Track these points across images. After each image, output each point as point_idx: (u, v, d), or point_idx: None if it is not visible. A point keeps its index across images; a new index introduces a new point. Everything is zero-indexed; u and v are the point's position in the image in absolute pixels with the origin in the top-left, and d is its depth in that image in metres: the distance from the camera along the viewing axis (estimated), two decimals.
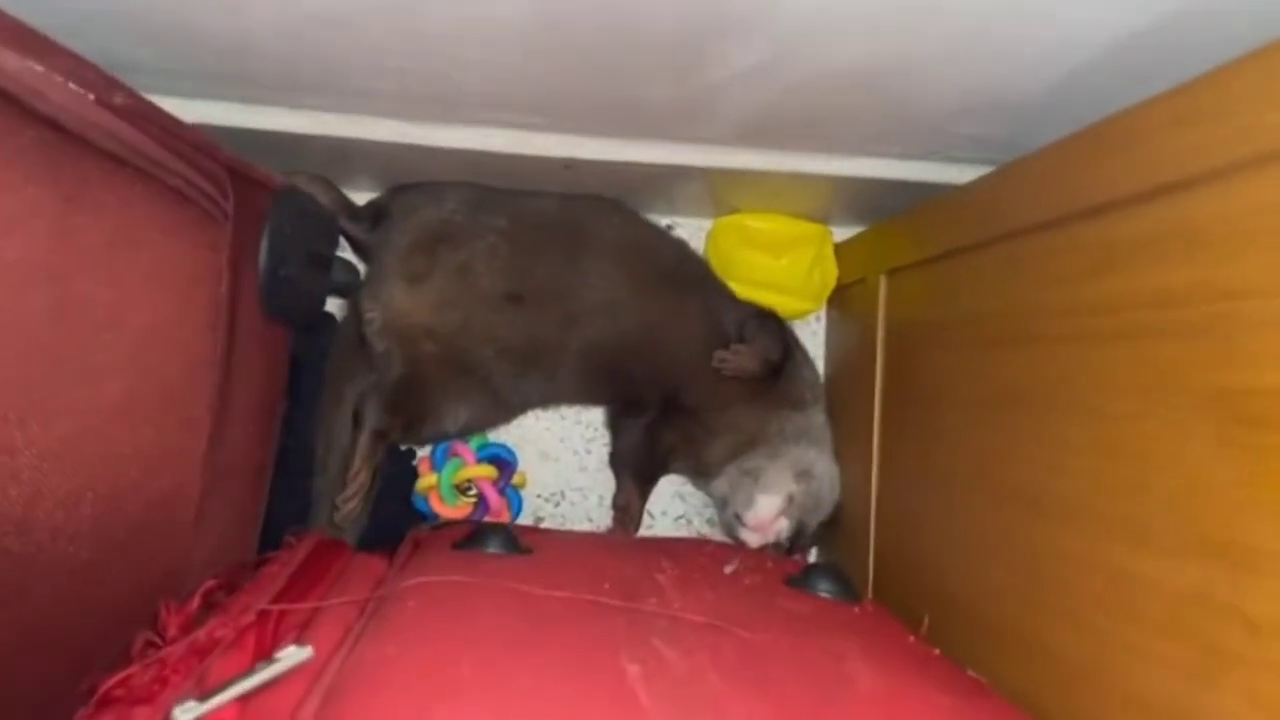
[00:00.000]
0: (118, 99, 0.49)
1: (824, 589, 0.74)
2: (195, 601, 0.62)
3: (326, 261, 0.89)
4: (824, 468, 0.98)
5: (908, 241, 0.86)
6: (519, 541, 0.74)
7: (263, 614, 0.57)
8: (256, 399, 0.81)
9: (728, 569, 0.76)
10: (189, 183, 0.59)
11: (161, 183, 0.56)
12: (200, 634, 0.56)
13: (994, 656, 0.63)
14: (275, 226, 0.77)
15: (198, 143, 0.63)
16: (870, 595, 0.86)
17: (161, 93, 0.75)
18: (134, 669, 0.51)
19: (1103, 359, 0.54)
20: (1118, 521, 0.51)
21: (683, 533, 1.07)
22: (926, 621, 0.69)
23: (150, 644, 0.59)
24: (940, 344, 0.77)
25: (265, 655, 0.55)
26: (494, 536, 0.74)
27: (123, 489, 0.55)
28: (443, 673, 0.44)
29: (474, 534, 0.74)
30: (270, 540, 0.82)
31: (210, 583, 0.64)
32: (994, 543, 0.65)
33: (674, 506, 1.08)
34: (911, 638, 0.66)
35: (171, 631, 0.60)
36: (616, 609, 0.60)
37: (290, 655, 0.46)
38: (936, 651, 0.64)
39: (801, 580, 0.75)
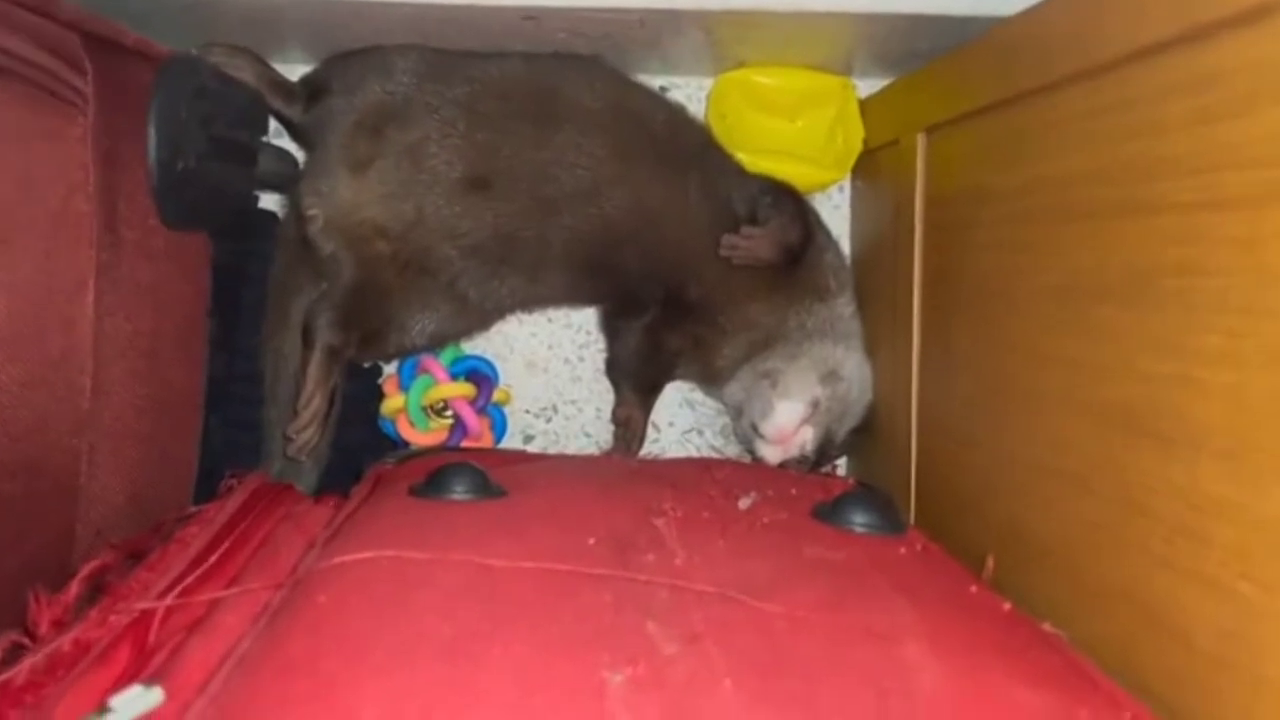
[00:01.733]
0: None
1: (860, 522, 0.61)
2: (72, 589, 0.49)
3: (247, 150, 0.74)
4: (853, 367, 0.85)
5: (952, 90, 0.69)
6: (490, 482, 0.61)
7: (145, 612, 0.45)
8: (171, 322, 0.67)
9: (743, 503, 0.62)
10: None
11: None
12: (64, 641, 0.44)
13: (1083, 615, 0.50)
14: (164, 108, 0.61)
15: None
16: (912, 519, 0.73)
17: None
18: None
19: (1269, 235, 0.39)
20: None
21: (692, 448, 0.94)
22: (991, 564, 0.56)
23: (18, 645, 0.47)
24: (1000, 217, 0.62)
25: (147, 662, 0.43)
26: (459, 478, 0.61)
27: None
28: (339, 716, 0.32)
29: (436, 475, 0.61)
30: (216, 483, 0.70)
31: (97, 561, 0.52)
32: (1083, 471, 0.51)
33: (682, 417, 0.94)
34: (974, 586, 0.53)
35: (43, 629, 0.48)
36: (601, 580, 0.47)
37: (130, 702, 0.33)
38: (1007, 606, 0.51)
39: (832, 512, 0.62)
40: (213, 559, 0.52)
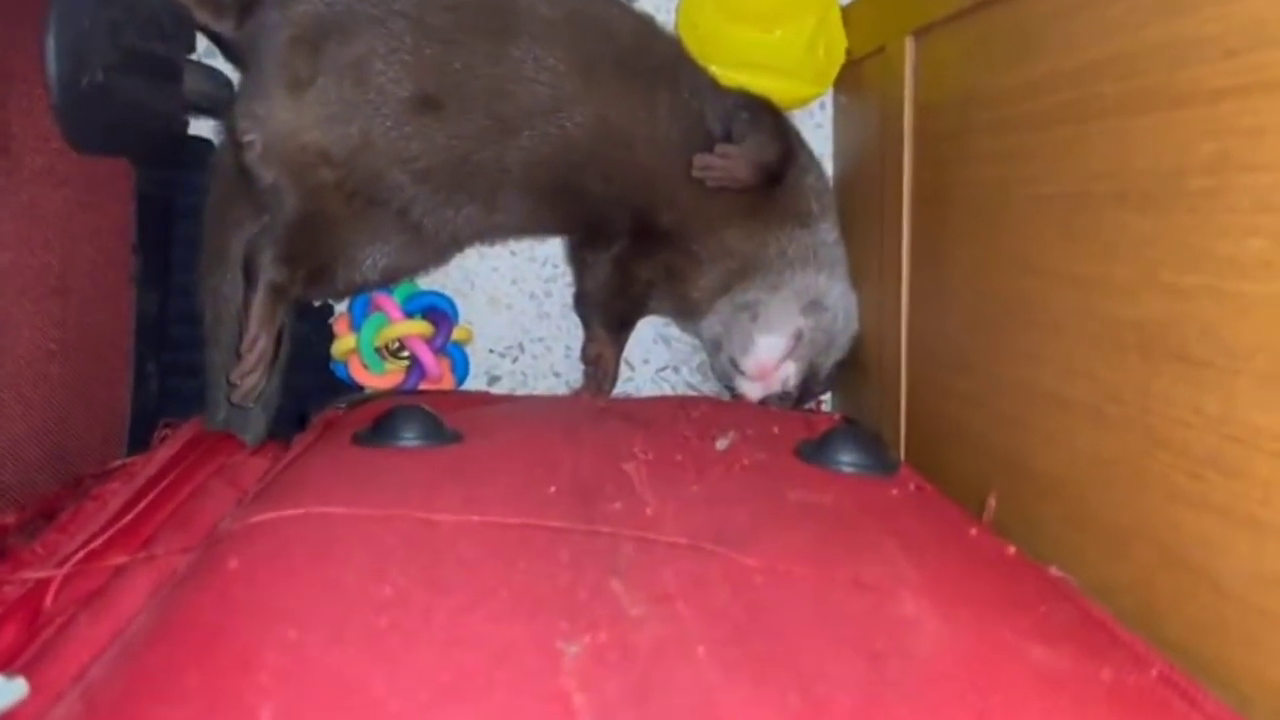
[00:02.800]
0: None
1: (848, 462, 0.56)
2: None
3: (168, 65, 0.67)
4: (837, 296, 0.80)
5: None
6: (443, 426, 0.56)
7: (40, 582, 0.39)
8: (86, 257, 0.61)
9: (720, 444, 0.57)
10: None
11: None
12: None
13: (1093, 558, 0.46)
14: (64, 16, 0.54)
15: None
16: (903, 457, 0.68)
17: None
18: None
19: None
20: None
21: (667, 386, 0.89)
22: (992, 503, 0.51)
23: None
24: (1000, 123, 0.56)
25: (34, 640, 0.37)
26: (408, 423, 0.55)
27: None
28: (231, 711, 0.26)
29: (382, 420, 0.56)
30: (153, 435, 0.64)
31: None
32: (1096, 400, 0.46)
33: (656, 353, 0.89)
34: (973, 529, 0.48)
35: None
36: (560, 534, 0.41)
37: None
38: (1012, 550, 0.46)
39: (817, 452, 0.57)
40: (127, 519, 0.46)
